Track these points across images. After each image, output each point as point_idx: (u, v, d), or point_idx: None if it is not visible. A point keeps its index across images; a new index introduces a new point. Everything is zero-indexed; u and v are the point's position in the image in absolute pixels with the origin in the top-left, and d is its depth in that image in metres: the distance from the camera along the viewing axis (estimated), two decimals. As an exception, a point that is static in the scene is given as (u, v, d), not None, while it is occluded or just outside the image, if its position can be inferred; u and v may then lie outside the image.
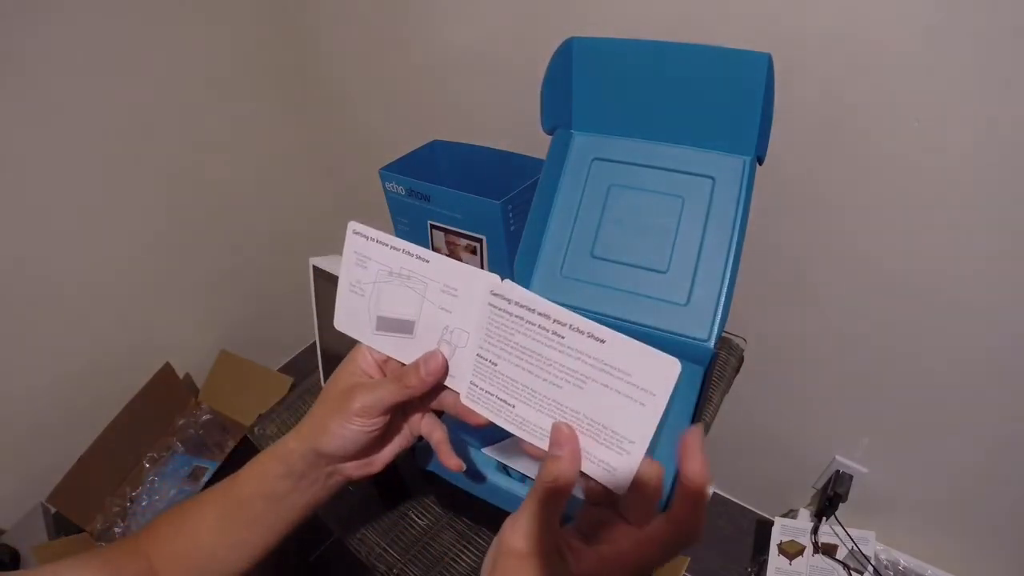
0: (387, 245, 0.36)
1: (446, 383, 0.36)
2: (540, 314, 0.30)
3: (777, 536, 0.96)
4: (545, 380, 0.31)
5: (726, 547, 1.09)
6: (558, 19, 0.79)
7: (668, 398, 0.27)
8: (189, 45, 1.07)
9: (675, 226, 0.56)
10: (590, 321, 0.29)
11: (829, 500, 0.93)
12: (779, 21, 0.64)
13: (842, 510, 0.93)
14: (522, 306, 0.31)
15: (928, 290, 0.72)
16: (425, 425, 0.39)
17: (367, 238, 0.37)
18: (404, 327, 0.37)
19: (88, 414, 1.08)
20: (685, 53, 0.54)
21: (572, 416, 0.30)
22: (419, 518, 0.61)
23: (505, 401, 0.32)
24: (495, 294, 0.32)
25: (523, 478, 0.50)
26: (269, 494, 0.38)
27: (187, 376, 1.29)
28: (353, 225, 0.38)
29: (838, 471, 0.94)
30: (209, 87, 1.13)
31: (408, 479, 0.62)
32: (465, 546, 0.58)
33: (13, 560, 0.96)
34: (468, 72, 0.96)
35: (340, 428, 0.36)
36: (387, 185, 0.76)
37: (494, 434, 0.56)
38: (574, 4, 0.77)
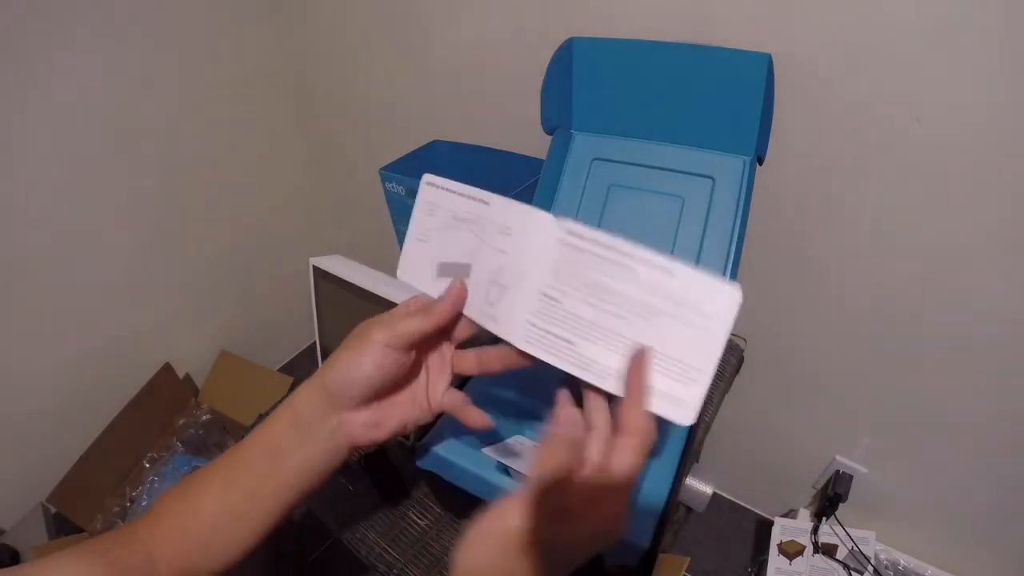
0: (455, 192, 0.37)
1: (492, 330, 0.35)
2: (615, 249, 0.31)
3: (777, 536, 0.96)
4: (613, 315, 0.31)
5: (726, 547, 1.09)
6: (558, 19, 0.79)
7: (730, 325, 0.29)
8: (189, 45, 1.07)
9: (675, 226, 0.56)
10: (658, 254, 0.30)
11: (829, 500, 0.93)
12: (779, 21, 0.64)
13: (842, 510, 0.93)
14: (596, 242, 0.31)
15: (929, 290, 0.72)
16: (448, 399, 0.39)
17: (439, 188, 0.38)
18: (462, 270, 0.37)
19: (88, 414, 1.08)
20: (685, 53, 0.54)
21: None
22: (419, 518, 0.61)
23: (566, 340, 0.32)
24: (571, 232, 0.32)
25: (523, 478, 0.50)
26: (273, 450, 0.36)
27: (187, 376, 1.29)
28: (427, 177, 0.38)
29: (838, 471, 0.93)
30: (209, 87, 1.13)
31: (408, 479, 0.63)
32: (465, 546, 0.58)
33: (13, 560, 0.96)
34: (468, 72, 0.96)
35: (352, 356, 0.34)
36: (387, 185, 0.76)
37: (495, 435, 0.56)
38: (574, 4, 0.77)
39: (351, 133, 1.28)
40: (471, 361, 0.38)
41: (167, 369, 1.19)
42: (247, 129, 1.23)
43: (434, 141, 0.85)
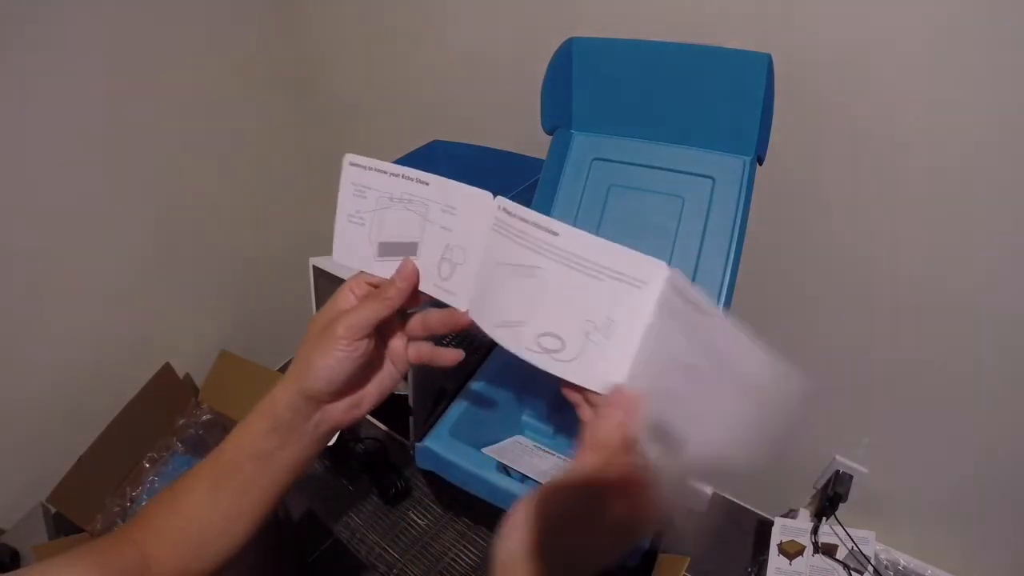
0: (386, 172, 0.38)
1: (451, 303, 0.36)
2: (540, 225, 0.32)
3: (777, 536, 0.96)
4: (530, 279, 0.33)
5: (726, 547, 1.09)
6: (558, 19, 0.79)
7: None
8: (189, 45, 1.07)
9: (675, 226, 0.56)
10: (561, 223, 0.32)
11: (829, 500, 0.92)
12: (779, 21, 0.64)
13: (842, 510, 0.93)
14: (522, 219, 0.32)
15: (929, 291, 0.72)
16: (412, 352, 0.40)
17: (365, 168, 0.38)
18: (408, 249, 0.37)
19: (88, 414, 1.08)
20: (685, 53, 0.54)
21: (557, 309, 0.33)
22: (419, 518, 0.61)
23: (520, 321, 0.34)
24: (504, 210, 0.33)
25: (523, 478, 0.50)
26: (258, 454, 0.37)
27: (187, 376, 1.29)
28: (349, 157, 0.39)
29: (838, 471, 0.93)
30: (208, 87, 1.12)
31: (408, 479, 0.63)
32: (465, 546, 0.58)
33: (13, 560, 0.96)
34: (468, 72, 0.96)
35: (325, 358, 0.35)
36: (387, 185, 0.76)
37: (495, 435, 0.56)
38: (574, 4, 0.77)
39: (351, 133, 1.28)
40: (416, 324, 0.39)
41: (167, 369, 1.19)
42: (247, 129, 1.23)
43: (434, 141, 0.85)
